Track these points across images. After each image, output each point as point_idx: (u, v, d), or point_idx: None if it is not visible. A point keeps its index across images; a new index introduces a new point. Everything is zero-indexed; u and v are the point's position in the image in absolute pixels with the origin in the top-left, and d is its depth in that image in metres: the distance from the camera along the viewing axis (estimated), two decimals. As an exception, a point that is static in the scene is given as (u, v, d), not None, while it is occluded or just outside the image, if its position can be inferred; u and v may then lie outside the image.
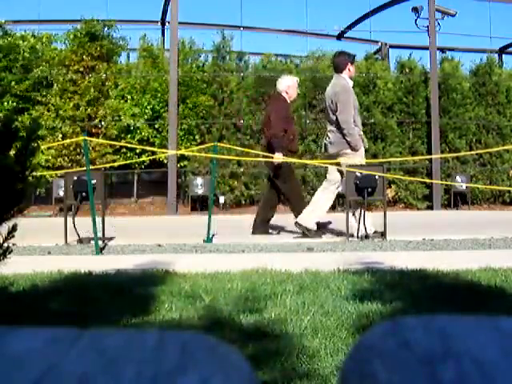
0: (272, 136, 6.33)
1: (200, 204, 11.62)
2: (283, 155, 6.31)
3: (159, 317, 2.66)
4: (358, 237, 5.97)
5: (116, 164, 11.37)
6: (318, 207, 6.14)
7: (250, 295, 3.05)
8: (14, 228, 2.28)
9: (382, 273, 3.71)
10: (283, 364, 1.98)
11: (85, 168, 5.79)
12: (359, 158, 6.02)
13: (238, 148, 9.86)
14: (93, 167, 6.87)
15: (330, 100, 6.10)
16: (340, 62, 6.16)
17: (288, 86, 6.60)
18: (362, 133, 6.14)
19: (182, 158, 12.02)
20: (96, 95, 11.85)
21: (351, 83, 6.16)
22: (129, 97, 12.17)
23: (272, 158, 6.33)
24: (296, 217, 6.40)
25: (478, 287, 3.25)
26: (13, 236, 2.30)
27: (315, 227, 6.17)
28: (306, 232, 6.12)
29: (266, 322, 2.53)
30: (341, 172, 6.08)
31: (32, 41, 12.28)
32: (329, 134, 6.16)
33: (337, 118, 5.96)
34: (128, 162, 11.41)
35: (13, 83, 11.51)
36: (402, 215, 7.56)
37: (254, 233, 6.53)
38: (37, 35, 12.74)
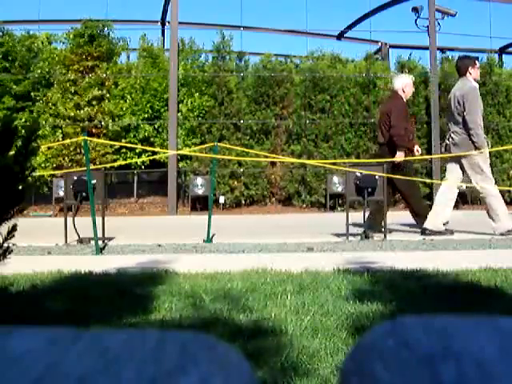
0: (395, 135, 6.34)
1: (200, 204, 11.62)
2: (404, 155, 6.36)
3: (159, 317, 2.66)
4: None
5: (116, 164, 11.36)
6: (442, 209, 6.21)
7: (249, 295, 3.04)
8: (14, 228, 2.28)
9: (382, 273, 3.71)
10: (283, 364, 1.98)
11: (85, 168, 5.79)
12: (484, 158, 6.11)
13: (238, 148, 9.86)
14: (93, 167, 6.86)
15: (456, 101, 6.19)
16: (461, 65, 6.35)
17: (405, 84, 6.66)
18: (484, 134, 6.23)
19: (182, 158, 12.02)
20: (96, 95, 11.84)
21: (477, 85, 6.27)
22: (128, 96, 12.16)
23: (390, 156, 6.32)
24: (414, 217, 6.44)
25: (477, 287, 3.25)
26: (13, 236, 2.30)
27: (443, 228, 6.19)
28: (436, 235, 6.11)
29: (266, 322, 2.53)
30: (461, 170, 6.17)
31: (31, 40, 12.26)
32: (452, 135, 6.24)
33: (463, 118, 6.06)
34: (128, 161, 11.40)
35: (11, 83, 11.50)
36: (402, 215, 7.56)
37: (367, 236, 6.03)
38: (36, 35, 12.72)
